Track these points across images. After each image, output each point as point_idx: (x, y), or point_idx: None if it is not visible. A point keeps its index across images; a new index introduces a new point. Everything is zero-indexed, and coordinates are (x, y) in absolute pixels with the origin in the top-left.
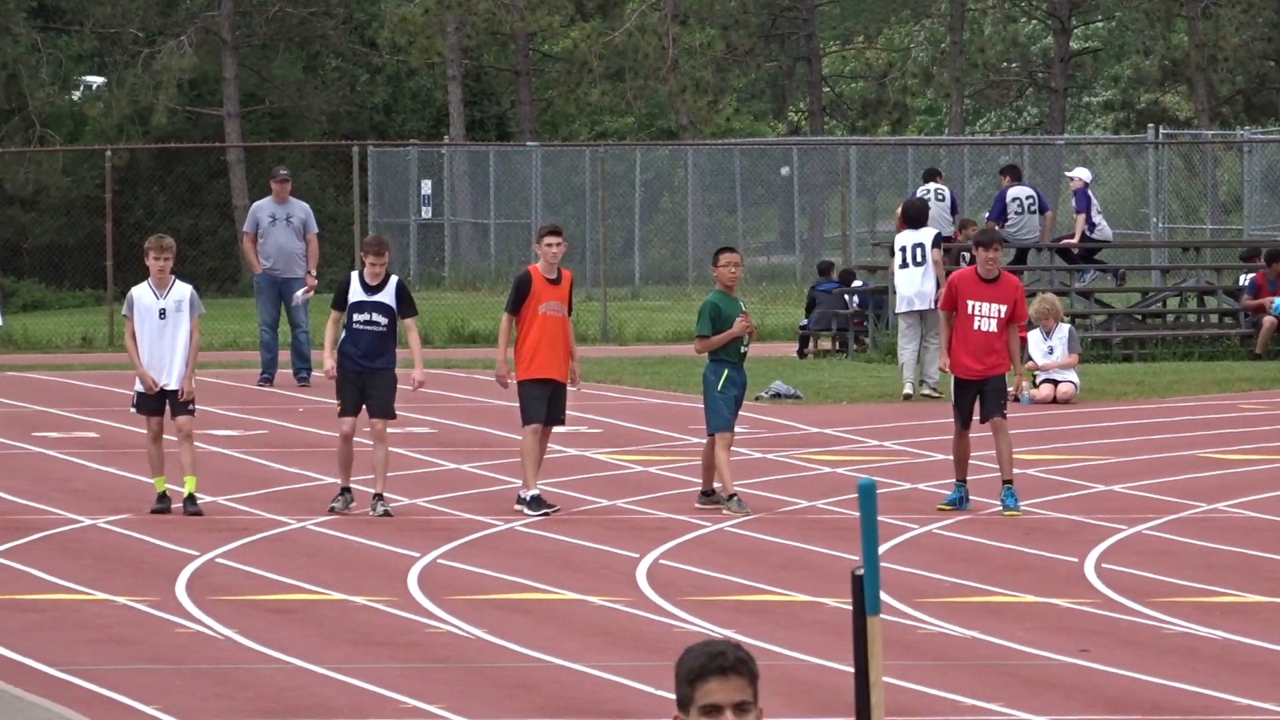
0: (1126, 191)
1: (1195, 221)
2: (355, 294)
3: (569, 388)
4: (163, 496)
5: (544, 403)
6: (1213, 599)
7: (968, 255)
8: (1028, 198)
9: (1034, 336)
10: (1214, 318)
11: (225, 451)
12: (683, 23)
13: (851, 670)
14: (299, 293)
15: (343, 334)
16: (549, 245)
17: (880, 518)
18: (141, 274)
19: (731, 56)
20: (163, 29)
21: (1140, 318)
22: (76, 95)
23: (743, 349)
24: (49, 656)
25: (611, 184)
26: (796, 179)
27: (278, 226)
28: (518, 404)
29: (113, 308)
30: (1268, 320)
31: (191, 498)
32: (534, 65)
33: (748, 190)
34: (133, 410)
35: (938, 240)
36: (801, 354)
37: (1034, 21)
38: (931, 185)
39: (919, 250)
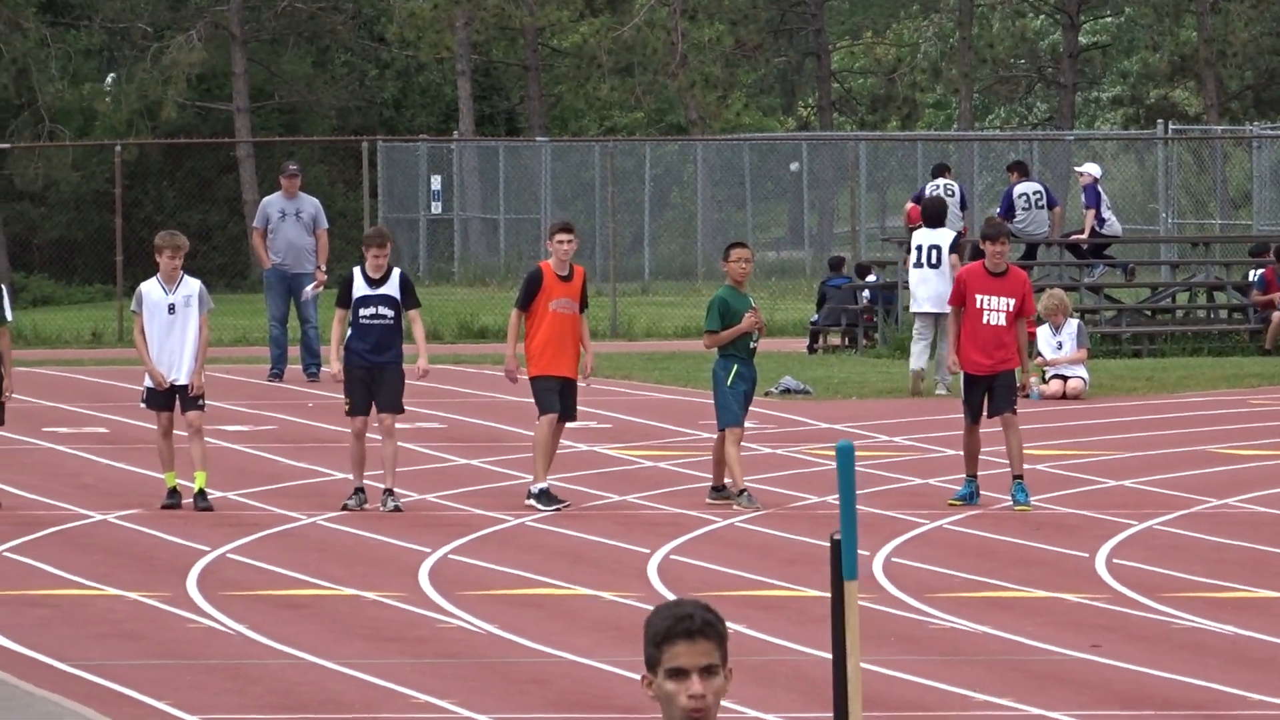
0: (1136, 187)
1: (1205, 217)
2: (359, 289)
3: (579, 383)
4: (173, 492)
5: (556, 394)
6: (1223, 594)
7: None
8: (1035, 193)
9: (1043, 332)
10: (1223, 313)
11: (235, 447)
12: (691, 18)
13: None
14: (308, 288)
15: (348, 331)
16: (560, 242)
17: (891, 513)
18: (151, 269)
19: (740, 52)
20: (172, 24)
21: (1150, 313)
22: (106, 86)
23: (752, 344)
24: (60, 652)
25: (621, 179)
26: (806, 174)
27: (287, 222)
28: (528, 399)
29: (122, 303)
30: (1277, 316)
31: (202, 493)
32: (543, 60)
33: (757, 185)
34: (142, 405)
35: (956, 244)
36: (811, 349)
37: (1043, 17)
38: (941, 180)
39: (935, 252)
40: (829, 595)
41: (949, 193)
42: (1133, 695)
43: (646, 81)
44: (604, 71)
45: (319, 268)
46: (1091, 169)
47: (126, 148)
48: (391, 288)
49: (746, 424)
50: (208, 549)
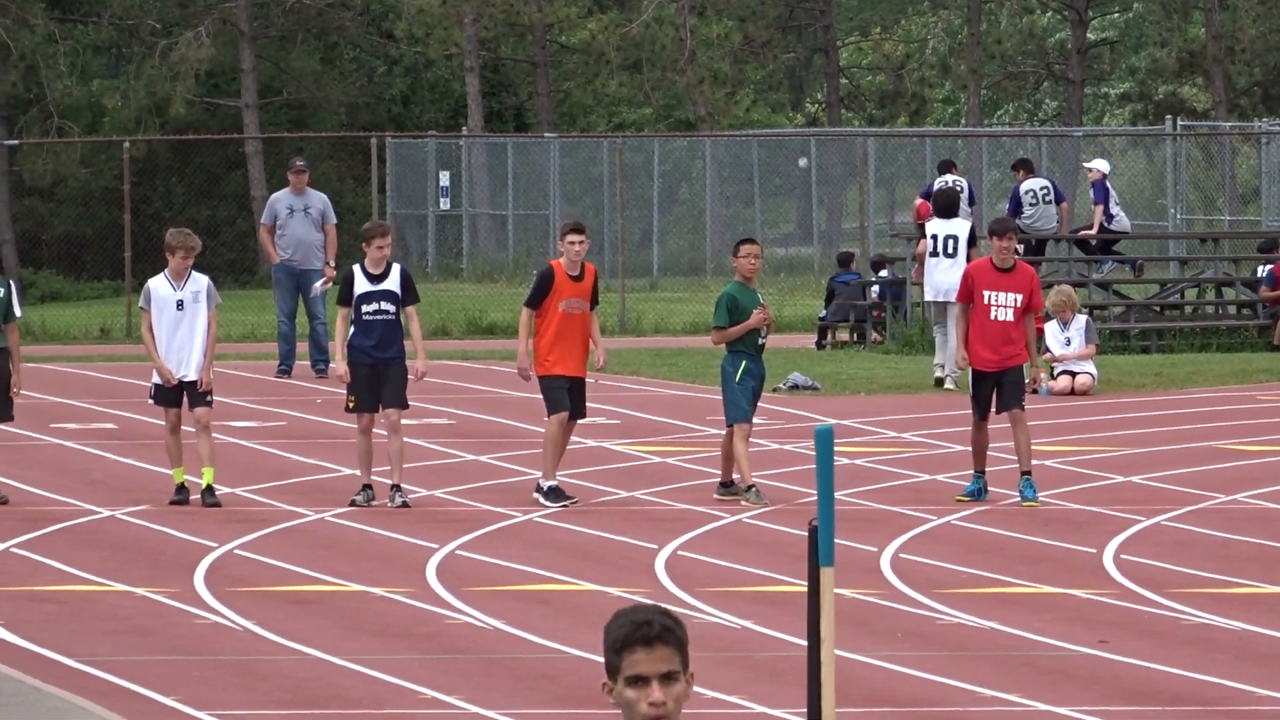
0: (1144, 183)
1: (1213, 212)
2: (360, 286)
3: (592, 370)
4: (181, 488)
5: (565, 392)
6: (1231, 590)
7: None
8: (1042, 189)
9: (1051, 328)
10: (1232, 309)
11: (243, 443)
12: (700, 14)
13: (869, 660)
14: (317, 284)
15: (351, 329)
16: (571, 243)
17: (899, 508)
18: (160, 265)
19: (749, 48)
20: (180, 20)
21: (1158, 309)
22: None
23: (760, 340)
24: (67, 647)
25: (629, 175)
26: (814, 170)
27: (296, 218)
28: (537, 395)
29: (131, 299)
30: None
31: (210, 489)
32: (552, 56)
33: (765, 181)
34: (150, 402)
35: (973, 237)
36: (820, 345)
37: (1051, 13)
38: (949, 177)
39: (951, 241)
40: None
41: (957, 189)
42: (1141, 691)
43: (655, 77)
44: (613, 67)
45: (328, 263)
46: (1100, 165)
47: (135, 144)
48: (393, 283)
49: (755, 420)
50: (215, 545)
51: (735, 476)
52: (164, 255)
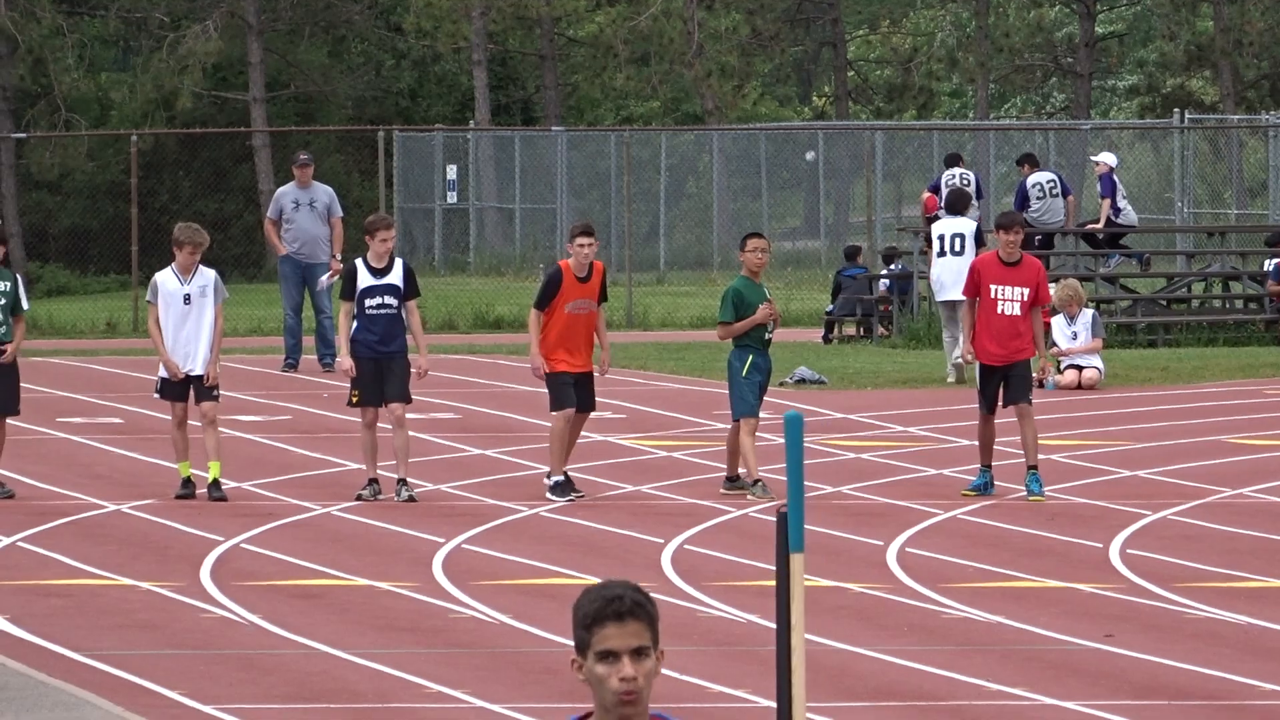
0: (1152, 176)
1: (1220, 206)
2: (364, 280)
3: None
4: (187, 482)
5: (571, 388)
6: (1237, 584)
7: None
8: (1049, 182)
9: (1058, 322)
10: (1239, 303)
11: (250, 437)
12: (708, 7)
13: (875, 654)
14: (323, 278)
15: (354, 324)
16: (581, 246)
17: (906, 503)
18: (166, 259)
19: (757, 41)
20: (188, 13)
21: (1165, 303)
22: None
23: (767, 335)
24: (73, 641)
25: (637, 169)
26: (822, 164)
27: (301, 212)
28: (543, 390)
29: (137, 293)
30: None
31: (216, 483)
32: (559, 50)
33: (773, 175)
34: (156, 396)
35: (980, 235)
36: (827, 339)
37: (1059, 6)
38: (956, 170)
39: (958, 240)
40: (841, 585)
41: (964, 182)
42: (1146, 685)
43: (662, 71)
44: (620, 61)
45: (334, 257)
46: (1107, 158)
47: (142, 137)
48: (396, 277)
49: (761, 414)
50: (222, 539)
51: (742, 471)
52: (171, 249)
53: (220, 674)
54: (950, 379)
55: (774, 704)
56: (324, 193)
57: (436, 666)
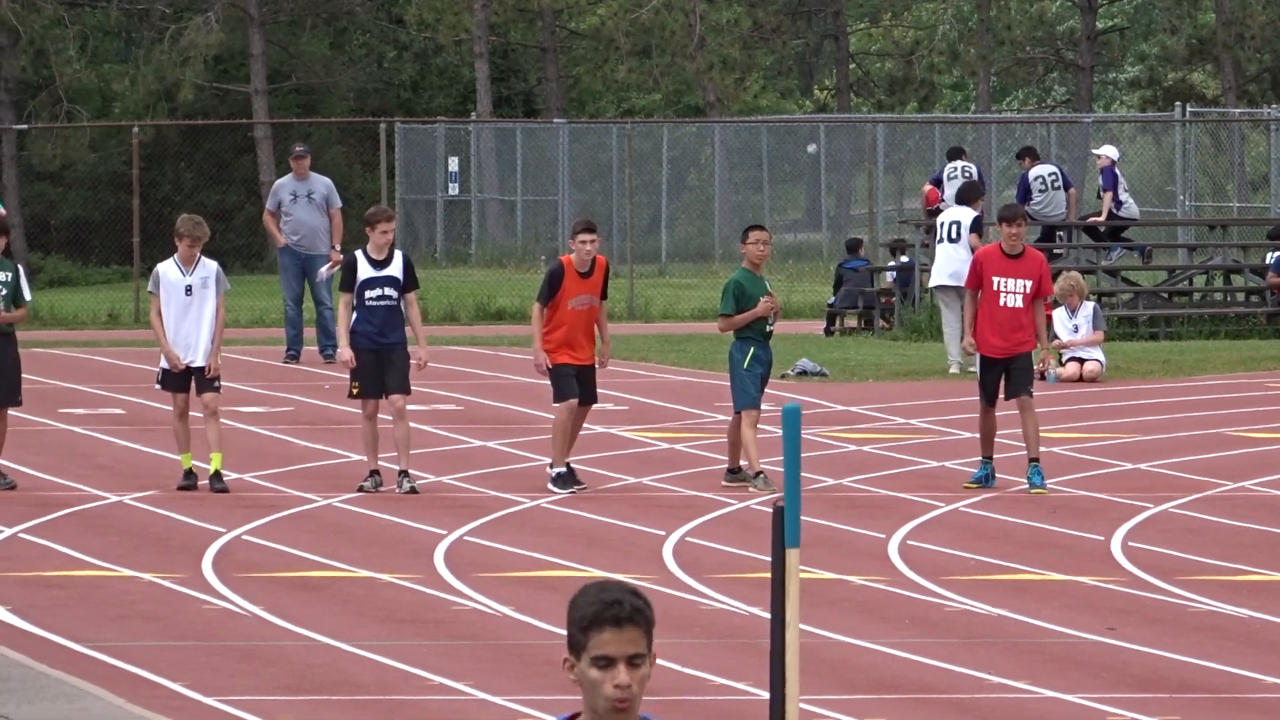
0: (1153, 169)
1: (1222, 199)
2: (364, 272)
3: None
4: (189, 473)
5: (574, 379)
6: (1239, 577)
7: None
8: (1050, 174)
9: (1059, 314)
10: (1240, 296)
11: (251, 428)
12: (709, 0)
13: (876, 647)
14: (323, 269)
15: (354, 315)
16: (583, 242)
17: (907, 495)
18: (168, 250)
19: (758, 34)
20: (189, 5)
21: (1167, 296)
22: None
23: (768, 327)
24: (75, 632)
25: (638, 161)
26: (823, 156)
27: (299, 203)
28: (545, 381)
29: (139, 284)
30: None
31: (218, 474)
32: (561, 42)
33: (774, 167)
34: (158, 387)
35: (977, 223)
36: (828, 331)
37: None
38: (959, 163)
39: (955, 228)
40: (842, 578)
41: (966, 175)
42: (1148, 678)
43: (664, 63)
44: (622, 53)
45: (334, 247)
46: (1109, 151)
47: (144, 129)
48: (396, 269)
49: (763, 406)
50: (223, 530)
51: (743, 463)
52: (173, 240)
53: (222, 665)
54: (953, 369)
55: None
56: (322, 184)
57: (438, 658)
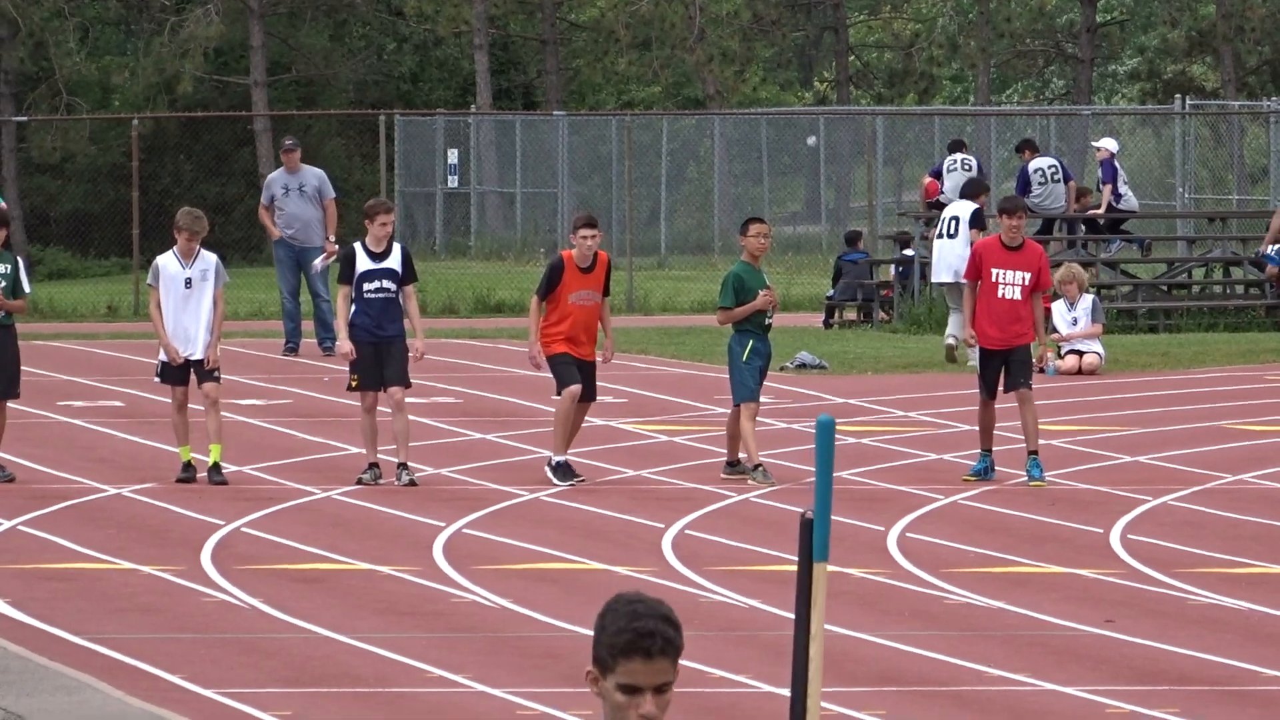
0: (1153, 162)
1: (1222, 192)
2: (363, 264)
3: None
4: (188, 465)
5: (575, 368)
6: (1238, 570)
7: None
8: (1050, 167)
9: (1058, 307)
10: (1240, 288)
11: (250, 421)
12: None
13: (876, 639)
14: (317, 261)
15: (352, 308)
16: (584, 237)
17: (906, 488)
18: (167, 243)
19: (758, 26)
20: None
21: (1166, 288)
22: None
23: (767, 320)
24: (74, 625)
25: (638, 153)
26: (823, 149)
27: (292, 196)
28: (544, 374)
29: (138, 276)
30: None
31: (217, 467)
32: (561, 34)
33: (774, 160)
34: (157, 380)
35: (977, 217)
36: (827, 324)
37: None
38: (959, 156)
39: (954, 223)
40: (842, 570)
41: (967, 168)
42: (1148, 670)
43: (664, 56)
44: (622, 46)
45: (329, 239)
46: (1108, 144)
47: (143, 121)
48: (394, 261)
49: (762, 399)
50: (223, 523)
51: (742, 456)
52: (173, 232)
53: (221, 658)
54: (949, 341)
55: (775, 689)
56: (313, 175)
57: (437, 651)
